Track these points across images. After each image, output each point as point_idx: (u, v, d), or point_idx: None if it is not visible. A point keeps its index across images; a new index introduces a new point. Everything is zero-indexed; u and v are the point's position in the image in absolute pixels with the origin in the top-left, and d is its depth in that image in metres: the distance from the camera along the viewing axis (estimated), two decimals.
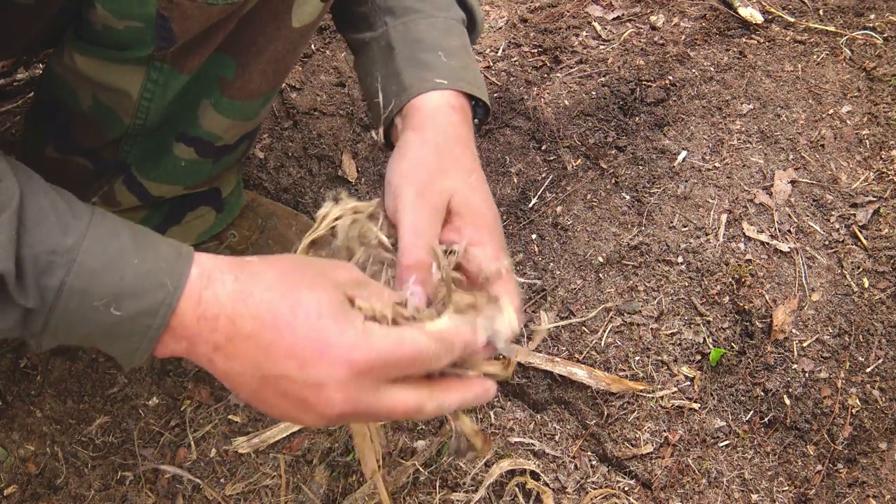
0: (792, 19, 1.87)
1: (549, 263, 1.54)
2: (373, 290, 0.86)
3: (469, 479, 1.32)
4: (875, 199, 1.58)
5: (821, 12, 1.88)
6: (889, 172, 1.61)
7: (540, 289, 1.51)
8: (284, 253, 1.44)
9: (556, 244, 1.56)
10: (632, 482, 1.34)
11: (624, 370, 1.42)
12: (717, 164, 1.64)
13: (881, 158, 1.63)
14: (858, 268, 1.51)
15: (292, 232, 1.48)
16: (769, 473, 1.35)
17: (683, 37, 1.85)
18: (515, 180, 1.65)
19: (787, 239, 1.54)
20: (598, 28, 1.90)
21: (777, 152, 1.65)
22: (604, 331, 1.46)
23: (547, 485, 1.32)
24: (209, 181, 1.29)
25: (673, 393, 1.40)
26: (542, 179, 1.65)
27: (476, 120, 1.09)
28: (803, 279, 1.49)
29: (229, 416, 1.38)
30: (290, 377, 0.81)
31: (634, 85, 1.76)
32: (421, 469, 1.32)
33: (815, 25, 1.86)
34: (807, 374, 1.41)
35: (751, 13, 1.86)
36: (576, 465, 1.35)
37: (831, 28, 1.85)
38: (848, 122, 1.69)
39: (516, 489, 1.31)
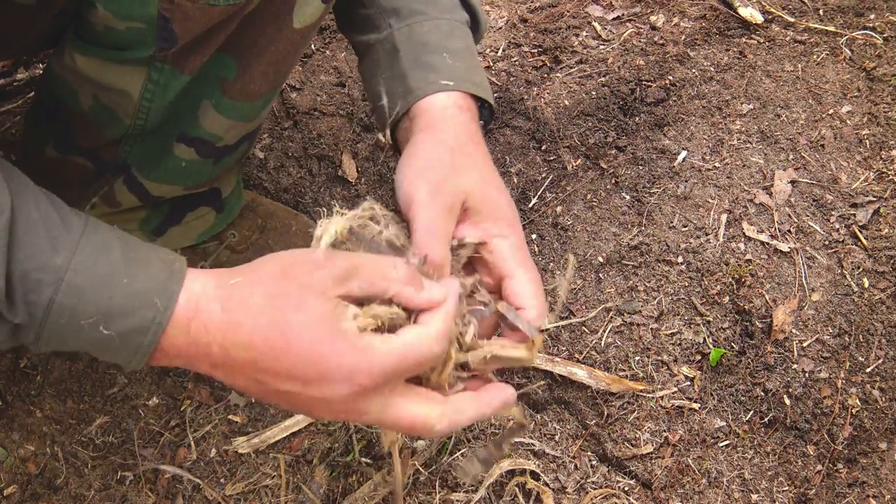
0: (792, 19, 1.87)
1: (549, 263, 1.54)
2: (362, 274, 0.83)
3: (469, 480, 1.32)
4: (875, 199, 1.58)
5: (821, 12, 1.88)
6: (889, 172, 1.61)
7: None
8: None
9: (556, 244, 1.56)
10: (632, 482, 1.34)
11: (624, 370, 1.42)
12: (717, 164, 1.64)
13: (881, 158, 1.63)
14: (858, 268, 1.51)
15: (292, 232, 1.48)
16: (769, 473, 1.35)
17: (683, 37, 1.85)
18: (515, 180, 1.65)
19: (787, 239, 1.54)
20: (598, 28, 1.90)
21: (777, 152, 1.65)
22: (604, 331, 1.46)
23: (547, 485, 1.32)
24: (209, 181, 1.29)
25: (673, 393, 1.40)
26: (542, 179, 1.65)
27: (481, 122, 1.09)
28: (803, 279, 1.49)
29: (229, 416, 1.38)
30: (294, 392, 0.81)
31: (634, 85, 1.76)
32: (421, 469, 1.32)
33: (815, 25, 1.86)
34: (807, 374, 1.41)
35: (751, 13, 1.86)
36: (576, 465, 1.35)
37: (831, 28, 1.85)
38: (848, 122, 1.69)
39: (516, 489, 1.31)
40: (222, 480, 1.33)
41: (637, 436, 1.37)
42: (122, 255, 0.80)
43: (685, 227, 1.56)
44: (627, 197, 1.61)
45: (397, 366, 0.80)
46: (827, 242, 1.54)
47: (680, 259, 1.52)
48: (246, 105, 1.11)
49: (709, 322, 1.46)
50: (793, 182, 1.61)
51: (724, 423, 1.39)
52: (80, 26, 0.99)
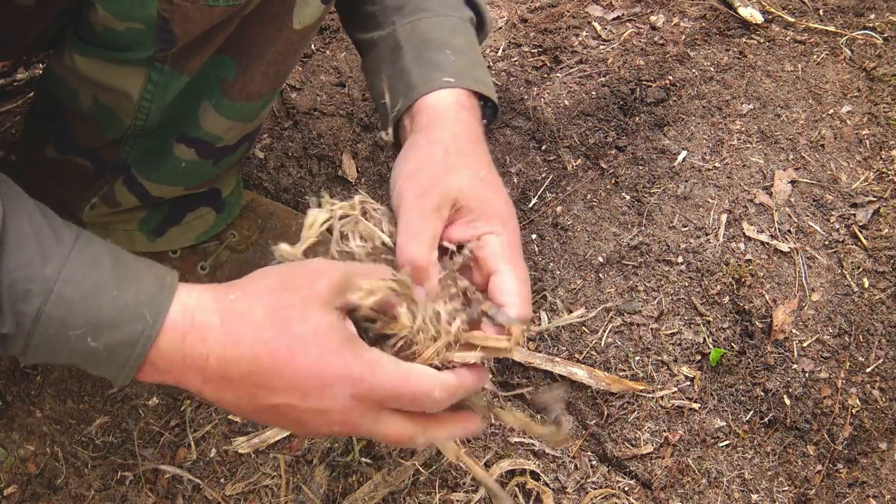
0: (792, 19, 1.87)
1: (549, 263, 1.54)
2: (363, 281, 0.85)
3: (469, 479, 1.32)
4: (875, 199, 1.58)
5: (821, 12, 1.88)
6: (889, 172, 1.61)
7: (540, 289, 1.51)
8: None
9: (556, 244, 1.56)
10: (632, 482, 1.34)
11: (624, 370, 1.43)
12: (717, 164, 1.64)
13: (881, 158, 1.63)
14: (858, 268, 1.51)
15: (292, 232, 1.48)
16: (769, 473, 1.35)
17: (683, 37, 1.85)
18: (515, 180, 1.65)
19: (787, 239, 1.54)
20: (598, 28, 1.89)
21: (777, 152, 1.65)
22: (604, 331, 1.46)
23: (547, 485, 1.32)
24: (209, 182, 1.29)
25: (673, 393, 1.40)
26: (542, 179, 1.65)
27: (484, 119, 1.08)
28: (803, 279, 1.49)
29: (229, 416, 1.38)
30: (291, 405, 0.81)
31: (634, 85, 1.76)
32: (421, 469, 1.32)
33: (815, 25, 1.86)
34: (807, 374, 1.41)
35: (751, 13, 1.86)
36: (576, 465, 1.35)
37: (831, 28, 1.85)
38: (848, 122, 1.69)
39: (516, 489, 1.31)
40: (222, 480, 1.33)
41: (637, 436, 1.37)
42: (112, 269, 0.79)
43: (685, 227, 1.56)
44: (627, 197, 1.61)
45: (397, 387, 0.82)
46: (827, 242, 1.54)
47: (680, 259, 1.52)
48: (246, 105, 1.11)
49: (709, 322, 1.46)
50: (793, 182, 1.61)
51: (724, 423, 1.39)
52: (80, 27, 0.99)
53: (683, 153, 1.66)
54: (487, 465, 1.33)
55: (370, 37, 1.13)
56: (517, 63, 1.84)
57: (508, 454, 1.34)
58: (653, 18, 1.90)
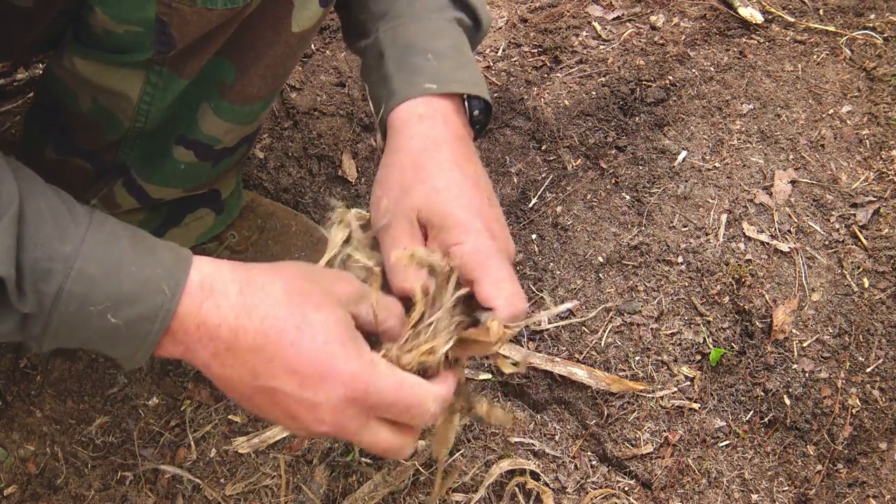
0: (792, 19, 1.87)
1: (549, 263, 1.54)
2: (374, 300, 0.88)
3: (469, 479, 1.32)
4: (875, 199, 1.58)
5: (821, 12, 1.88)
6: (889, 172, 1.61)
7: (540, 289, 1.51)
8: (285, 256, 1.45)
9: (556, 244, 1.56)
10: (632, 482, 1.35)
11: (624, 370, 1.43)
12: (717, 164, 1.64)
13: (881, 158, 1.63)
14: (858, 268, 1.51)
15: (292, 232, 1.48)
16: (769, 473, 1.35)
17: (683, 37, 1.85)
18: (515, 180, 1.65)
19: (787, 239, 1.54)
20: (598, 28, 1.89)
21: (777, 152, 1.65)
22: (604, 331, 1.46)
23: (547, 485, 1.32)
24: (208, 183, 1.29)
25: (673, 393, 1.40)
26: (542, 179, 1.65)
27: (476, 112, 1.07)
28: (803, 279, 1.49)
29: (229, 416, 1.38)
30: (286, 392, 0.82)
31: (634, 85, 1.76)
32: (421, 469, 1.32)
33: (815, 25, 1.85)
34: (807, 374, 1.41)
35: (751, 13, 1.85)
36: (576, 465, 1.35)
37: (831, 28, 1.85)
38: (848, 122, 1.69)
39: (516, 489, 1.31)
40: (222, 480, 1.33)
41: (637, 436, 1.37)
42: (130, 244, 0.80)
43: (685, 227, 1.56)
44: (627, 197, 1.61)
45: (392, 394, 0.83)
46: (827, 242, 1.54)
47: (680, 259, 1.52)
48: (244, 108, 1.11)
49: (709, 322, 1.46)
50: (793, 182, 1.61)
51: (724, 423, 1.39)
52: (79, 29, 0.99)
53: (683, 153, 1.66)
54: (487, 465, 1.33)
55: (360, 45, 1.13)
56: (517, 63, 1.84)
57: (508, 454, 1.34)
58: (653, 18, 1.90)
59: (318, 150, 1.70)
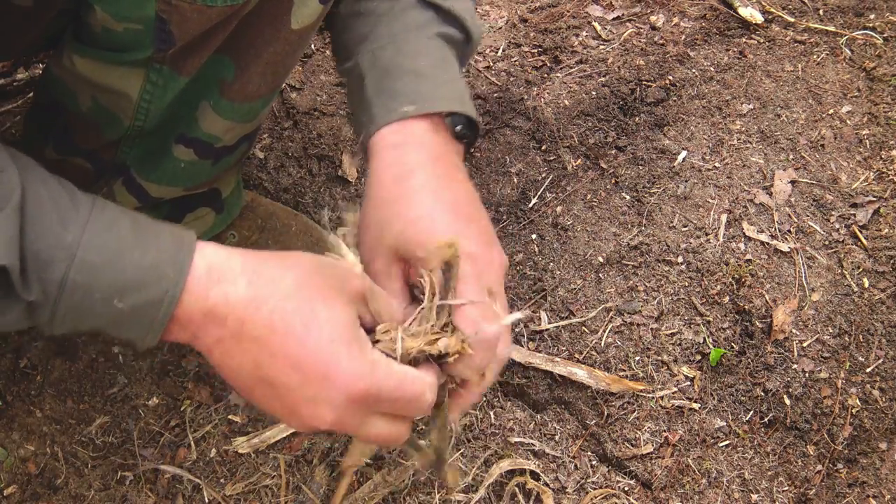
0: (792, 19, 1.87)
1: (549, 263, 1.54)
2: (381, 302, 0.88)
3: (469, 479, 1.32)
4: (875, 199, 1.58)
5: (821, 12, 1.88)
6: (889, 172, 1.61)
7: (540, 289, 1.51)
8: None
9: (556, 244, 1.56)
10: (632, 482, 1.34)
11: (624, 370, 1.42)
12: (717, 164, 1.64)
13: (881, 158, 1.63)
14: (858, 268, 1.51)
15: (292, 232, 1.48)
16: (769, 473, 1.35)
17: (683, 37, 1.85)
18: (515, 180, 1.65)
19: (787, 239, 1.54)
20: (598, 28, 1.90)
21: (777, 152, 1.65)
22: (604, 331, 1.46)
23: (547, 485, 1.32)
24: (209, 182, 1.29)
25: (673, 393, 1.40)
26: (542, 179, 1.65)
27: (459, 128, 1.05)
28: (803, 279, 1.49)
29: (229, 416, 1.38)
30: (287, 386, 0.82)
31: (634, 85, 1.76)
32: (421, 469, 1.32)
33: (815, 25, 1.86)
34: (807, 374, 1.41)
35: (751, 13, 1.86)
36: (576, 465, 1.35)
37: (831, 28, 1.85)
38: (848, 122, 1.69)
39: (516, 489, 1.31)
40: (222, 480, 1.33)
41: (637, 436, 1.37)
42: (132, 230, 0.80)
43: (685, 227, 1.56)
44: (627, 197, 1.61)
45: (393, 390, 0.83)
46: (827, 242, 1.54)
47: (680, 259, 1.52)
48: (244, 106, 1.11)
49: (709, 322, 1.46)
50: (793, 182, 1.61)
51: (724, 423, 1.39)
52: (79, 28, 0.99)
53: (683, 153, 1.66)
54: (487, 465, 1.33)
55: (344, 68, 1.13)
56: (517, 63, 1.84)
57: (508, 454, 1.34)
58: (653, 18, 1.90)
59: (318, 150, 1.70)
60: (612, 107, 1.73)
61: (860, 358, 1.42)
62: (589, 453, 1.37)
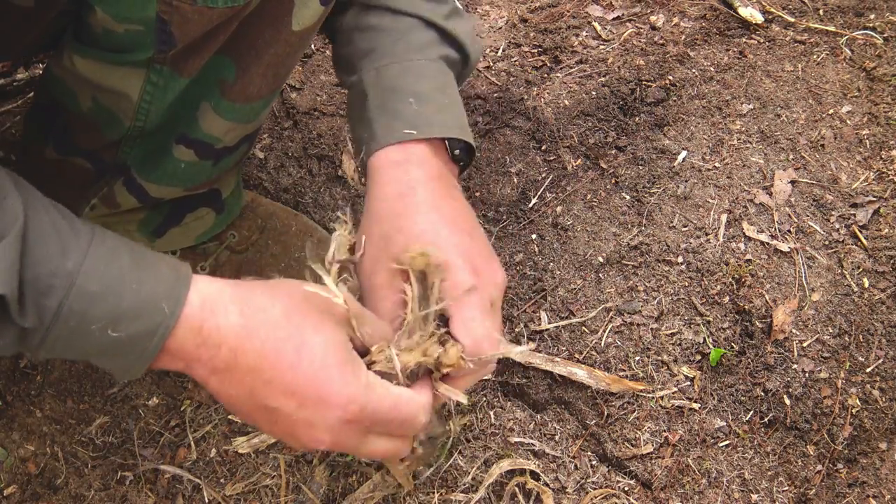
0: (792, 19, 1.87)
1: (549, 263, 1.54)
2: (368, 324, 0.91)
3: (469, 479, 1.32)
4: (875, 199, 1.58)
5: (821, 12, 1.88)
6: (889, 172, 1.61)
7: (540, 289, 1.51)
8: (285, 256, 1.45)
9: (556, 244, 1.56)
10: (632, 482, 1.35)
11: (624, 370, 1.43)
12: (717, 164, 1.64)
13: (881, 158, 1.63)
14: (858, 268, 1.51)
15: (292, 232, 1.48)
16: (769, 473, 1.35)
17: (683, 37, 1.85)
18: (515, 180, 1.65)
19: (787, 239, 1.54)
20: (598, 28, 1.90)
21: (777, 152, 1.65)
22: (604, 331, 1.46)
23: (547, 485, 1.32)
24: (209, 183, 1.29)
25: (673, 393, 1.40)
26: (542, 179, 1.65)
27: (457, 152, 1.08)
28: (803, 279, 1.49)
29: (229, 416, 1.38)
30: (284, 411, 0.84)
31: (634, 85, 1.76)
32: (421, 469, 1.32)
33: (815, 25, 1.86)
34: (807, 374, 1.41)
35: (751, 13, 1.85)
36: (576, 465, 1.35)
37: (831, 28, 1.85)
38: (848, 122, 1.69)
39: (516, 489, 1.31)
40: (222, 480, 1.33)
41: (637, 436, 1.37)
42: (130, 261, 0.80)
43: (685, 227, 1.56)
44: (627, 197, 1.61)
45: (387, 412, 0.86)
46: (827, 242, 1.54)
47: (680, 259, 1.52)
48: (245, 107, 1.11)
49: (709, 322, 1.46)
50: (793, 182, 1.61)
51: (724, 423, 1.39)
52: (79, 29, 0.99)
53: (683, 153, 1.66)
54: (487, 465, 1.33)
55: (345, 80, 1.14)
56: (517, 63, 1.84)
57: (508, 454, 1.34)
58: (653, 18, 1.90)
59: (318, 150, 1.70)
60: (612, 107, 1.73)
61: (860, 358, 1.42)
62: (589, 453, 1.37)
